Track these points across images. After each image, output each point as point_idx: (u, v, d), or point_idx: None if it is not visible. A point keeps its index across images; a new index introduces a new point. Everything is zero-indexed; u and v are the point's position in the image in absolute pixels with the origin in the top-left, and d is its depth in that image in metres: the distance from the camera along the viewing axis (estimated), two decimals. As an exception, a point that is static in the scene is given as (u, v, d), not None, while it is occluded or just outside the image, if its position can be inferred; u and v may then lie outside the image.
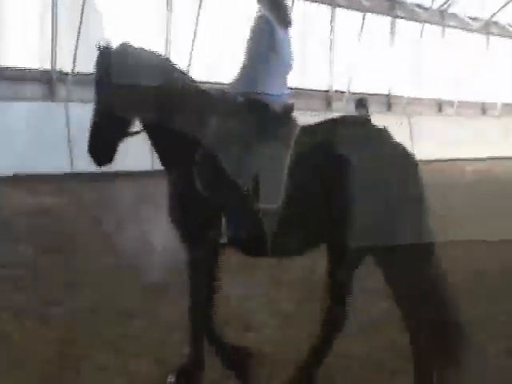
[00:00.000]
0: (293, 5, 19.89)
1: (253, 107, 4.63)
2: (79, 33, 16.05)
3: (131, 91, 4.58)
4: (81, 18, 16.04)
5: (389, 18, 25.10)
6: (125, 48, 4.74)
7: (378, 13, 24.50)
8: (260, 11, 4.63)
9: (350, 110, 15.43)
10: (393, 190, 4.28)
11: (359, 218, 4.26)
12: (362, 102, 8.58)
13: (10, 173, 13.16)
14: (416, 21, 25.63)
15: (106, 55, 4.67)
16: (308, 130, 4.61)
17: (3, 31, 15.37)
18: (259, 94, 4.61)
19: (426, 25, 25.97)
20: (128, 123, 4.74)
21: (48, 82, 16.24)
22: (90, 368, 5.02)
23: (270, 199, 4.43)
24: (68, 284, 6.95)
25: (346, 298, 4.70)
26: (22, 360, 5.06)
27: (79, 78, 15.96)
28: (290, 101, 4.77)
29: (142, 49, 4.78)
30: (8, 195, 11.64)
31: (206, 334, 4.74)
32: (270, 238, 4.46)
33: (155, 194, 6.08)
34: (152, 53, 4.81)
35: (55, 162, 14.36)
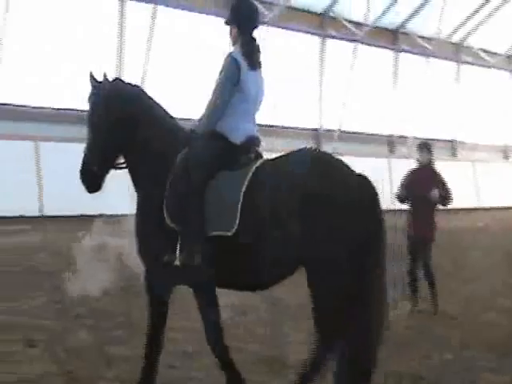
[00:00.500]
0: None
1: (215, 141, 4.95)
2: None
3: (117, 128, 5.16)
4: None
5: (454, 63, 25.03)
6: (115, 84, 5.32)
7: (443, 58, 24.45)
8: (231, 52, 5.04)
9: (413, 155, 15.42)
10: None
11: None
12: (426, 145, 8.50)
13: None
14: (482, 66, 25.49)
15: (99, 92, 5.25)
16: (268, 162, 4.87)
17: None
18: (223, 128, 4.98)
19: (493, 70, 25.79)
20: (115, 158, 5.30)
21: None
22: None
23: (221, 226, 4.73)
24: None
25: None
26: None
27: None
28: (256, 135, 5.12)
29: (129, 84, 5.37)
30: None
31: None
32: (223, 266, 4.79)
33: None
34: (137, 89, 5.38)
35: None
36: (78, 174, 5.23)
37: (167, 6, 18.02)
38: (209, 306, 5.07)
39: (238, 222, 4.65)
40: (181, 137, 5.10)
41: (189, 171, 4.84)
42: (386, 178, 19.30)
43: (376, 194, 4.62)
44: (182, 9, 18.33)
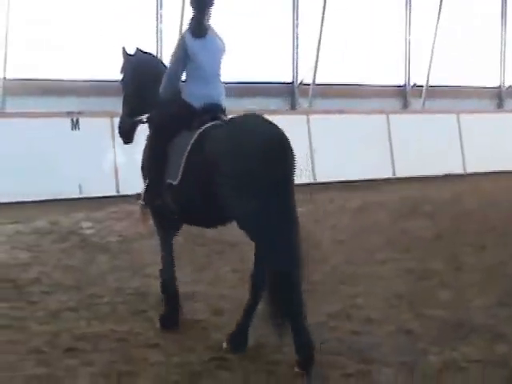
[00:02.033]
0: None
1: (177, 105, 5.92)
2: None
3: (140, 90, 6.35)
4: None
5: None
6: (141, 55, 6.59)
7: None
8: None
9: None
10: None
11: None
12: None
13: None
14: None
15: (130, 61, 6.55)
16: (215, 125, 5.71)
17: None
18: (184, 94, 5.95)
19: None
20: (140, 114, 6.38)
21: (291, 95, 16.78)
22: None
23: (173, 176, 5.73)
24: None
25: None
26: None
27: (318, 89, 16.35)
28: (216, 100, 5.97)
29: (151, 55, 6.74)
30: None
31: None
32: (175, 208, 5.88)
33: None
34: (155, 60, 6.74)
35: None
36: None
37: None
38: (165, 240, 6.16)
39: (181, 174, 5.67)
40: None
41: (153, 130, 6.13)
42: (497, 135, 17.30)
43: (283, 144, 5.35)
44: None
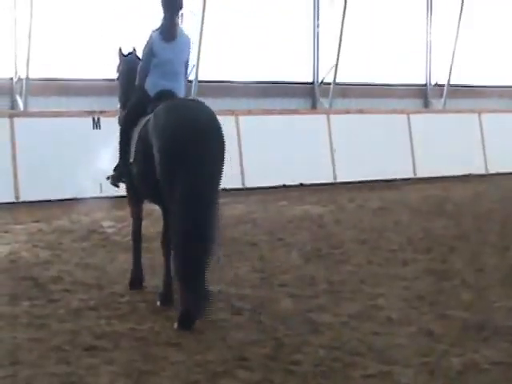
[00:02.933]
0: None
1: (140, 95, 6.72)
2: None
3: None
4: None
5: None
6: (133, 56, 7.34)
7: None
8: (152, 29, 6.74)
9: None
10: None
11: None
12: None
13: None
14: None
15: (124, 61, 7.44)
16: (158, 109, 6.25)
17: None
18: (146, 85, 6.73)
19: None
20: None
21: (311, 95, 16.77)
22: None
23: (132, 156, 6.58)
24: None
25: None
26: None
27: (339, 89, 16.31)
28: (171, 90, 6.64)
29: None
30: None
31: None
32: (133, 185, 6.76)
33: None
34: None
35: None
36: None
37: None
38: (133, 217, 7.19)
39: (133, 153, 6.52)
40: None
41: (122, 117, 7.03)
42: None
43: (198, 128, 5.90)
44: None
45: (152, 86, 6.70)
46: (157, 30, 6.68)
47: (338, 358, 5.24)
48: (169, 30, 6.62)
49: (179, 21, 6.70)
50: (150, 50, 6.66)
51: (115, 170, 7.05)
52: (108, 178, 7.19)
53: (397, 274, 7.77)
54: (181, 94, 6.74)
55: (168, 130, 5.96)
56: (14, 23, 13.34)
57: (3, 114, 12.77)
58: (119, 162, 6.92)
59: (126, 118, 6.84)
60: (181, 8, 6.67)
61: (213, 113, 6.13)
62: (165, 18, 6.64)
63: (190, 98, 6.80)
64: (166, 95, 6.56)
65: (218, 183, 6.07)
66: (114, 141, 12.61)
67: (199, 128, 5.92)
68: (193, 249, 5.80)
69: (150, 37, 6.68)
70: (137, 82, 6.84)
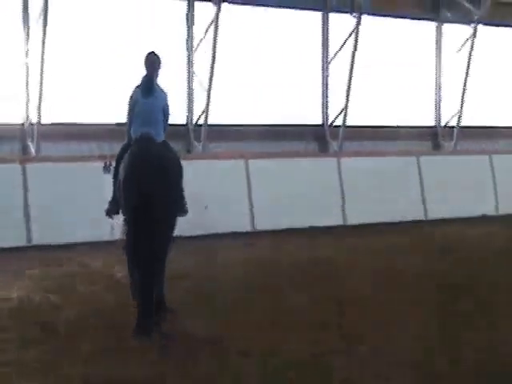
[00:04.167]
0: None
1: (127, 137, 7.88)
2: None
3: None
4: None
5: None
6: None
7: None
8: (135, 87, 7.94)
9: None
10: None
11: None
12: None
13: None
14: None
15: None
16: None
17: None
18: (130, 130, 7.84)
19: None
20: None
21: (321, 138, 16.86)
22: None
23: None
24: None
25: None
26: None
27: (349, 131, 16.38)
28: (150, 135, 7.67)
29: None
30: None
31: None
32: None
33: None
34: None
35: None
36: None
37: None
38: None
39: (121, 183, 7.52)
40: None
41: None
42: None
43: (144, 167, 7.29)
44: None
45: (133, 131, 7.80)
46: (138, 86, 7.91)
47: None
48: (147, 88, 7.84)
49: (156, 79, 7.89)
50: (133, 103, 7.86)
51: (110, 203, 7.96)
52: (105, 211, 8.09)
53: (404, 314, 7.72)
54: (158, 137, 7.77)
55: (125, 170, 7.43)
56: (26, 68, 13.52)
57: (15, 159, 12.88)
58: (112, 194, 7.89)
59: (117, 157, 7.91)
60: (158, 69, 7.90)
61: (164, 155, 7.52)
62: (144, 77, 7.87)
63: (159, 142, 7.74)
64: (143, 138, 7.66)
65: (162, 215, 7.27)
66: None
67: (146, 169, 7.28)
68: (146, 284, 7.23)
69: (134, 92, 7.90)
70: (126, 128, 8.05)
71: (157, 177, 7.25)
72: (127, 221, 7.50)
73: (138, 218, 7.24)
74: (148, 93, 7.83)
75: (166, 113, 7.99)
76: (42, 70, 13.26)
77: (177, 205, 7.70)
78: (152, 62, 7.91)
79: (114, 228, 12.23)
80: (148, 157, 7.39)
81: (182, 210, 7.87)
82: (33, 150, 13.54)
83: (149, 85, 7.86)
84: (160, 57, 7.98)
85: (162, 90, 8.01)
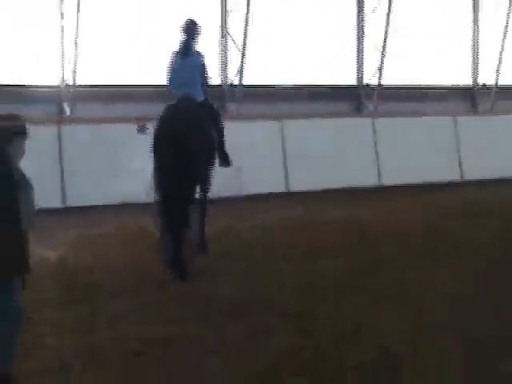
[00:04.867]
0: None
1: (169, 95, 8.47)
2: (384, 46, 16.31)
3: None
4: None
5: None
6: None
7: None
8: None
9: None
10: None
11: None
12: None
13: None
14: None
15: None
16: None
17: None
18: (171, 91, 8.53)
19: None
20: None
21: (356, 98, 16.72)
22: None
23: None
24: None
25: None
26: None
27: (384, 92, 16.17)
28: (189, 94, 8.33)
29: None
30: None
31: None
32: None
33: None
34: None
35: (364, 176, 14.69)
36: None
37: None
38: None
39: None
40: None
41: None
42: None
43: (169, 126, 7.94)
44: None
45: (175, 91, 8.47)
46: (176, 51, 8.52)
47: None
48: (184, 50, 8.45)
49: (194, 45, 8.46)
50: (171, 65, 8.51)
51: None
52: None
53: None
54: (196, 96, 8.37)
55: (156, 127, 8.10)
56: (61, 30, 13.53)
57: (51, 120, 12.95)
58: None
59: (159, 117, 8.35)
60: (196, 35, 8.49)
61: (190, 117, 8.02)
62: (182, 40, 8.48)
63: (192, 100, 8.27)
64: (182, 97, 8.28)
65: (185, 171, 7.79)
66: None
67: (172, 127, 7.88)
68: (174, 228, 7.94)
69: (172, 56, 8.54)
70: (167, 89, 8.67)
71: (188, 129, 7.84)
72: (157, 180, 8.05)
73: (166, 170, 7.87)
74: (185, 55, 8.44)
75: (205, 73, 8.57)
76: (77, 31, 13.26)
77: (212, 155, 8.53)
78: (189, 27, 8.49)
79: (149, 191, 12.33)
80: (178, 115, 7.99)
81: (226, 162, 8.80)
82: (68, 112, 13.60)
83: (186, 47, 8.45)
84: (198, 24, 8.56)
85: (198, 53, 8.57)
